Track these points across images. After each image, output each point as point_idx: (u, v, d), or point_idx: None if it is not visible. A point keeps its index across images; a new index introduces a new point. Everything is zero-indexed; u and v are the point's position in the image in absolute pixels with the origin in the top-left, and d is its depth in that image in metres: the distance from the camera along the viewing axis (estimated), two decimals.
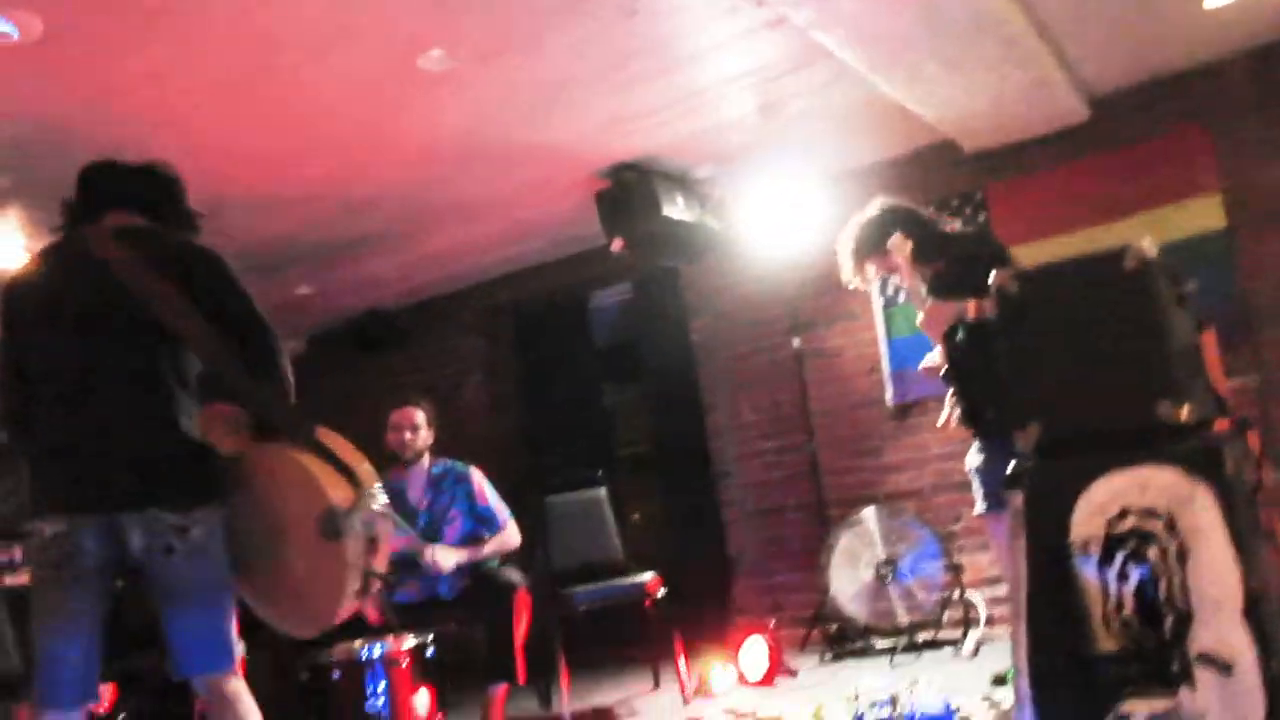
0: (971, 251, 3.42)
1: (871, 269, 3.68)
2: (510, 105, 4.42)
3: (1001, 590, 5.22)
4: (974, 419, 3.33)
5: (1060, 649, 2.14)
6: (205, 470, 2.55)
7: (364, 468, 2.65)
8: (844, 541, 5.41)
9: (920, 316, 3.49)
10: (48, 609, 2.44)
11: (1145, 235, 2.26)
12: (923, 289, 3.43)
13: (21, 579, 4.99)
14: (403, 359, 7.44)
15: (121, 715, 3.64)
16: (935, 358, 3.61)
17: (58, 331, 2.54)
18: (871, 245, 3.61)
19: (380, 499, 2.66)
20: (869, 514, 5.42)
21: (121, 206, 2.67)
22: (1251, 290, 4.91)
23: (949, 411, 3.44)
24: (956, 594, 5.25)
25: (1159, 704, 2.06)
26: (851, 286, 3.75)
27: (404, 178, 5.06)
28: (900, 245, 3.46)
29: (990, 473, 3.36)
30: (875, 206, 3.69)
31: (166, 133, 4.07)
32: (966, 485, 5.37)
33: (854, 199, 5.65)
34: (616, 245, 5.39)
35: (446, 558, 4.56)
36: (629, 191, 5.24)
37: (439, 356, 7.43)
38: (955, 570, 5.30)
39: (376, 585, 2.66)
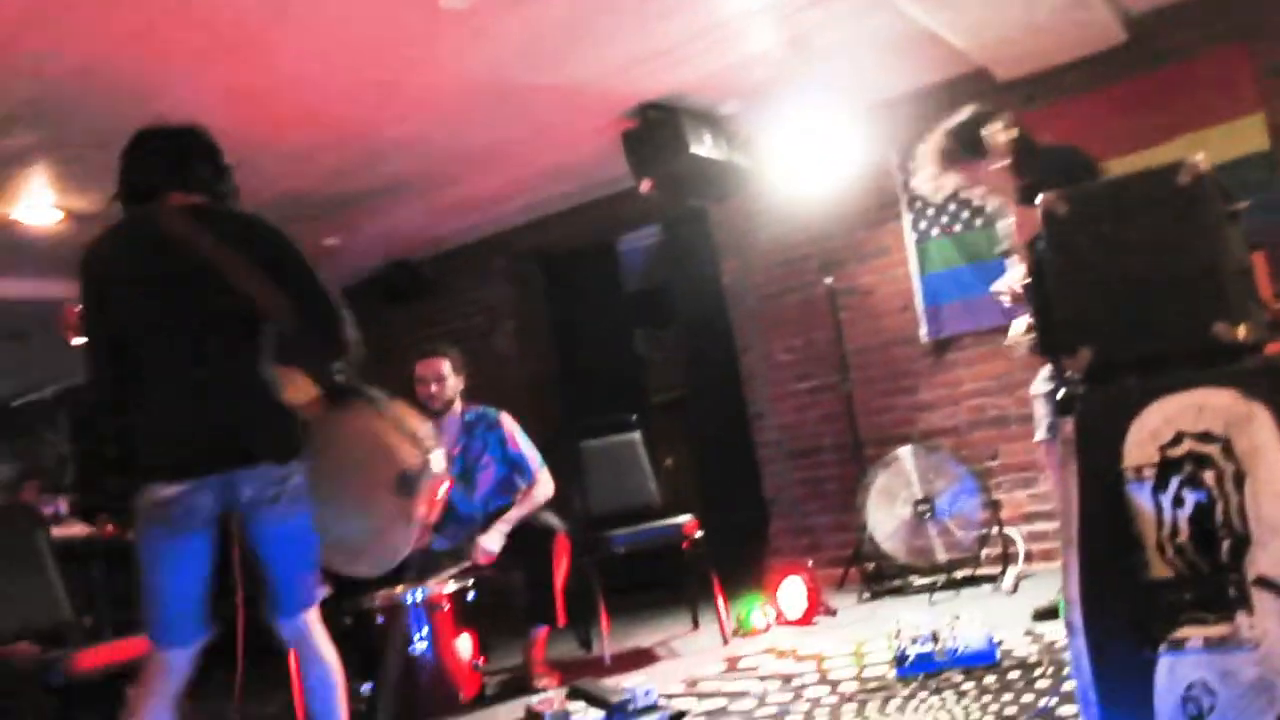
0: (1064, 159, 3.33)
1: (954, 177, 3.55)
2: (534, 45, 4.34)
3: (1040, 526, 5.20)
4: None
5: (1114, 577, 2.10)
6: (295, 427, 2.77)
7: (427, 430, 2.97)
8: (880, 480, 5.38)
9: (1006, 224, 3.40)
10: (165, 559, 2.62)
11: (1197, 153, 2.19)
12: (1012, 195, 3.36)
13: (69, 530, 5.07)
14: (432, 309, 7.44)
15: None
16: (1008, 282, 3.50)
17: (149, 310, 2.68)
18: (966, 148, 3.49)
19: (441, 459, 3.01)
20: (905, 452, 5.39)
21: (181, 187, 2.77)
22: None
23: (1021, 333, 3.35)
24: (995, 530, 5.22)
25: (1215, 630, 2.02)
26: (925, 192, 3.63)
27: (427, 123, 5.00)
28: (1000, 133, 3.35)
29: None
30: (967, 110, 3.57)
31: (184, 84, 4.04)
32: (1002, 421, 5.44)
33: (884, 132, 5.64)
34: (645, 186, 5.33)
35: (492, 543, 4.46)
36: (655, 131, 5.17)
37: (468, 305, 7.42)
38: (993, 507, 5.27)
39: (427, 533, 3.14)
